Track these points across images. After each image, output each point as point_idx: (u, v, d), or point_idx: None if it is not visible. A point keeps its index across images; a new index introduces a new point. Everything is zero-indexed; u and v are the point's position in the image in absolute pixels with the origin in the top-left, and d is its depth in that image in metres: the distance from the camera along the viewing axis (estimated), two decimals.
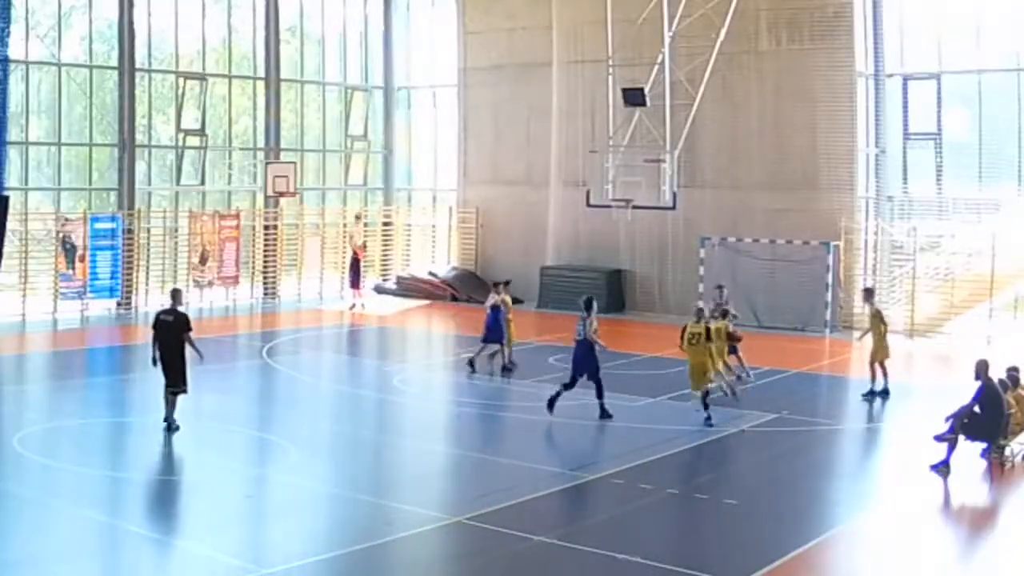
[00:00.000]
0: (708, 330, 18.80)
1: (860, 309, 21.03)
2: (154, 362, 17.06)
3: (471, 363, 22.64)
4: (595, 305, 18.93)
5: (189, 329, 17.09)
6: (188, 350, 17.06)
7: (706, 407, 18.33)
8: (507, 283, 24.30)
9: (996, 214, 28.28)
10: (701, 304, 20.73)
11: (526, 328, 25.28)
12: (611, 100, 29.46)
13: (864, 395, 20.72)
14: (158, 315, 17.50)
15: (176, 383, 16.88)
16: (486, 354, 22.84)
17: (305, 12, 35.72)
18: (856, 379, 23.31)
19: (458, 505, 13.85)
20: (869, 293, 22.12)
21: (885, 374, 20.68)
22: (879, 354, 20.73)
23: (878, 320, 21.06)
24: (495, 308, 22.66)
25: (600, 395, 18.44)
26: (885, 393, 20.56)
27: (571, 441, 18.08)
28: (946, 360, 26.08)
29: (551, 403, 18.42)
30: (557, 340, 24.88)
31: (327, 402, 21.05)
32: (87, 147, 31.12)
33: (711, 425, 18.05)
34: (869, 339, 21.17)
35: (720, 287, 22.79)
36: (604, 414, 18.44)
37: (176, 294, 17.69)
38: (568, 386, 18.62)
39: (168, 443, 16.80)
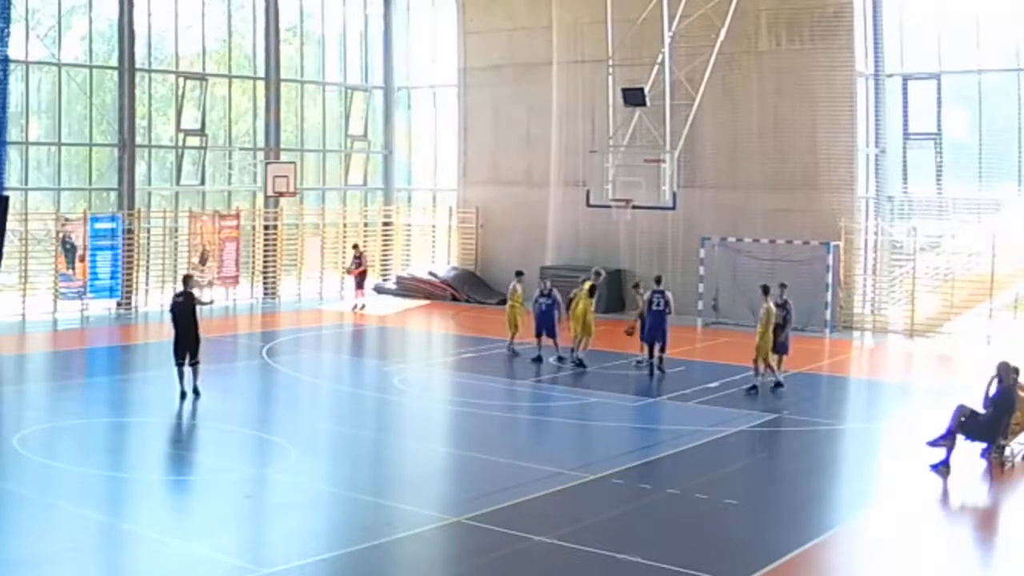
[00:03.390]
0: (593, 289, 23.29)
1: (765, 305, 21.12)
2: (176, 338, 19.13)
3: (559, 358, 23.47)
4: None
5: (196, 299, 19.46)
6: (200, 329, 19.25)
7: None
8: (519, 273, 25.49)
9: (996, 214, 28.28)
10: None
11: (525, 328, 25.12)
12: (611, 100, 29.43)
13: (748, 389, 20.79)
14: (173, 298, 19.77)
15: (194, 355, 19.04)
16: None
17: (305, 12, 35.74)
18: (856, 379, 23.33)
19: (458, 505, 13.83)
20: (766, 290, 21.99)
21: (765, 369, 20.86)
22: (764, 350, 20.79)
23: (768, 316, 21.03)
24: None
25: (663, 350, 22.19)
26: (754, 389, 20.68)
27: (571, 441, 18.08)
28: (946, 360, 26.08)
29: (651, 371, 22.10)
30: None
31: (327, 402, 21.04)
32: (87, 147, 31.13)
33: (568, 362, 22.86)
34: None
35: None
36: (662, 370, 22.01)
37: (187, 279, 20.08)
38: (651, 355, 22.12)
39: (169, 442, 16.92)
